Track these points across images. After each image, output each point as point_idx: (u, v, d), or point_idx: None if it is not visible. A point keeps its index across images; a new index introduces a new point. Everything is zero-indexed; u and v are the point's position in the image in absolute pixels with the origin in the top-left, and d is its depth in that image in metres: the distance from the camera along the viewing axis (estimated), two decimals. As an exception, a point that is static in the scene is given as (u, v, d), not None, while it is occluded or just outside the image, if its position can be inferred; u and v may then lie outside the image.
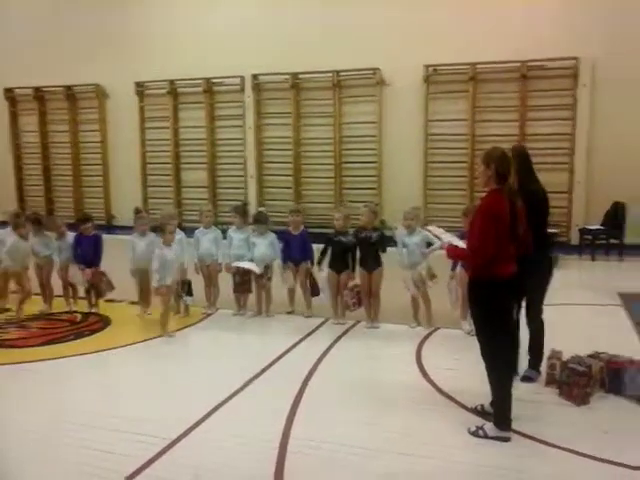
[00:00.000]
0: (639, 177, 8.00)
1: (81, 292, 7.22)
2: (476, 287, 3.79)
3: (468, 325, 5.62)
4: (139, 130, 13.48)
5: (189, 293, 6.72)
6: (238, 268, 6.62)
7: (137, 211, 7.20)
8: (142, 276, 6.81)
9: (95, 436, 3.94)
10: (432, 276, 6.13)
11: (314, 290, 6.60)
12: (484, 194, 3.82)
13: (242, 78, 12.50)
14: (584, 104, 10.47)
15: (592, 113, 10.45)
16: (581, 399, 4.20)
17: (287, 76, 12.15)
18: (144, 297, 6.92)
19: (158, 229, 6.32)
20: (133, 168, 13.55)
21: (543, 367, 4.61)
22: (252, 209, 11.74)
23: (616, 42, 10.08)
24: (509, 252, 3.72)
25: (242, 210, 6.98)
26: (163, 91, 13.17)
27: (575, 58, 10.35)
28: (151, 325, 6.52)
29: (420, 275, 6.07)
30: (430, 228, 4.41)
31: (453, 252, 3.97)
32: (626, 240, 9.57)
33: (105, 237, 7.43)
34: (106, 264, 7.08)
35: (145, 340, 5.98)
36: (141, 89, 13.38)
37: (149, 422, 4.10)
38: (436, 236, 4.20)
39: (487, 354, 3.81)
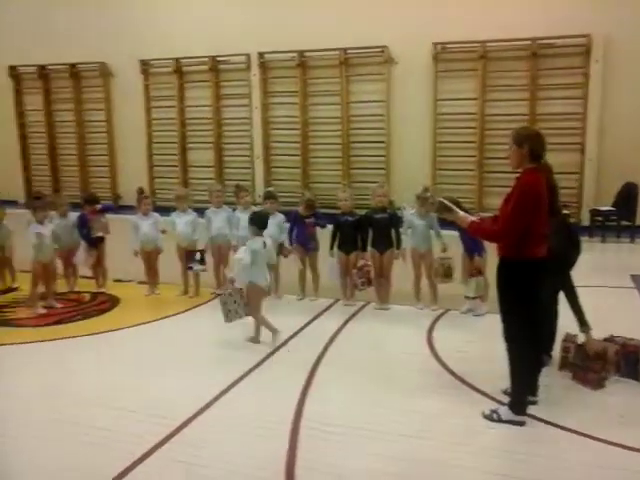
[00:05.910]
0: (653, 157, 7.85)
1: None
2: (506, 268, 3.69)
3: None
4: (145, 109, 13.35)
5: (202, 262, 6.70)
6: None
7: (140, 191, 7.14)
8: (148, 256, 6.80)
9: (103, 416, 3.93)
10: (444, 249, 6.04)
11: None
12: (518, 174, 3.70)
13: (248, 56, 12.33)
14: (596, 81, 10.28)
15: (604, 90, 10.27)
16: (597, 383, 4.15)
17: (294, 54, 11.97)
18: (151, 277, 6.91)
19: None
20: (139, 148, 13.43)
21: (556, 350, 4.54)
22: (260, 189, 11.73)
23: (630, 17, 9.86)
24: (543, 231, 3.63)
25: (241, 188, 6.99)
26: (168, 69, 13.01)
27: (587, 35, 10.15)
28: (159, 305, 6.53)
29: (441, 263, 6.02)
30: None
31: (476, 229, 3.86)
32: (638, 222, 9.45)
33: (112, 217, 7.39)
34: (113, 244, 7.07)
35: (154, 320, 5.96)
36: (146, 67, 13.22)
37: (159, 403, 4.09)
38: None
39: (509, 336, 3.74)
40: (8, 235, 7.25)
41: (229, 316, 5.30)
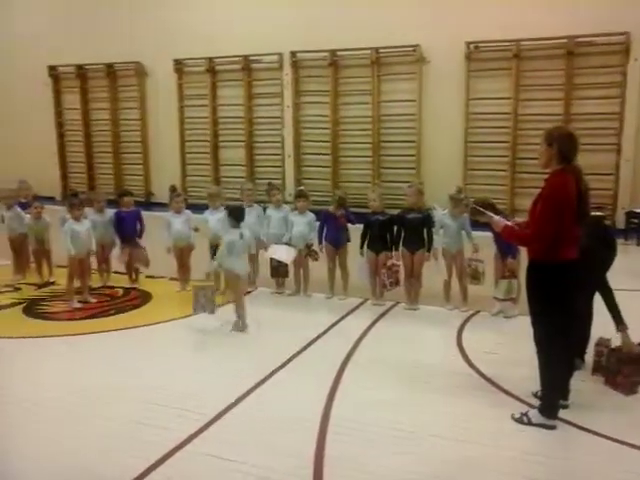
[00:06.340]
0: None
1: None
2: (535, 270, 3.66)
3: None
4: (178, 108, 13.54)
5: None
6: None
7: (173, 189, 7.27)
8: (180, 253, 6.91)
9: (134, 409, 4.02)
10: (475, 250, 6.04)
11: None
12: (547, 175, 3.66)
13: (280, 55, 12.40)
14: (634, 80, 10.05)
15: (643, 90, 10.04)
16: (629, 388, 4.08)
17: (326, 53, 11.99)
18: (183, 273, 7.01)
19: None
20: (172, 146, 13.64)
21: (590, 354, 4.49)
22: (290, 188, 11.78)
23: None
24: (573, 234, 3.58)
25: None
26: (201, 69, 13.17)
27: (625, 33, 9.92)
28: (190, 301, 6.57)
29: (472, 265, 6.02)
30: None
31: (509, 233, 3.84)
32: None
33: (143, 214, 7.52)
34: (145, 240, 7.21)
35: (185, 316, 6.05)
36: (180, 67, 13.41)
37: (188, 397, 4.17)
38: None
39: (540, 340, 3.70)
40: (47, 228, 7.47)
41: (196, 308, 5.77)
